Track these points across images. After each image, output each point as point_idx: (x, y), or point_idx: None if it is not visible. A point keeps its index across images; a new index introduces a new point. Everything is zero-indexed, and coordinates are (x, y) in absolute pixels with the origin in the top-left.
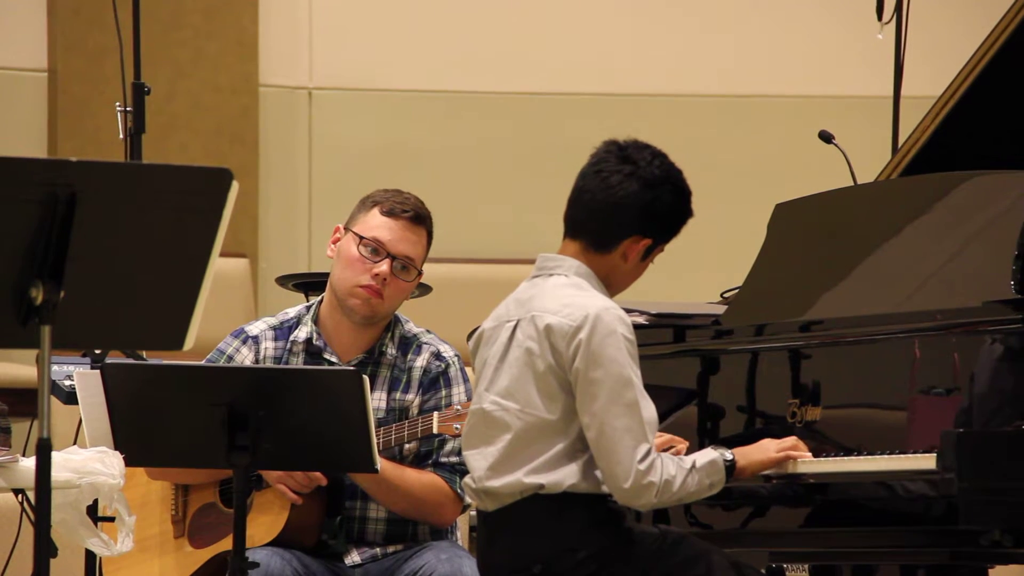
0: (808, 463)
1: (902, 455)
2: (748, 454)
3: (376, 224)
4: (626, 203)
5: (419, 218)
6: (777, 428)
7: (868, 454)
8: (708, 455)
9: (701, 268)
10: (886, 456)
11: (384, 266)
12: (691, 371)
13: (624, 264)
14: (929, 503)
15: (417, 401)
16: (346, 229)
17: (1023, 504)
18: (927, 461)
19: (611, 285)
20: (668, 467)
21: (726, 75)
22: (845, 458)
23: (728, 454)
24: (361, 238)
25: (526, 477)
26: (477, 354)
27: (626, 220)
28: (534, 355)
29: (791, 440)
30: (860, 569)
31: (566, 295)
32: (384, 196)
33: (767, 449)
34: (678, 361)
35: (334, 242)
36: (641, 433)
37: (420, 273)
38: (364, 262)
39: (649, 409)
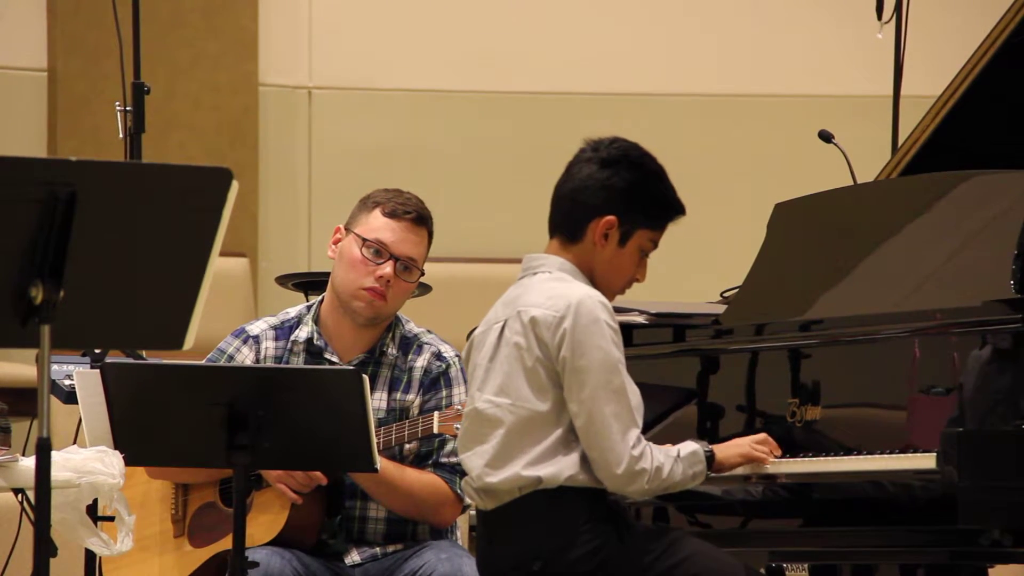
0: (808, 463)
1: (902, 454)
2: (724, 448)
3: (378, 226)
4: (584, 184)
5: (421, 219)
6: (777, 428)
7: (868, 453)
8: (689, 446)
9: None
10: (886, 455)
11: (388, 268)
12: (691, 371)
13: (598, 250)
14: (929, 502)
15: (418, 401)
16: (347, 230)
17: (1023, 504)
18: (927, 460)
19: (598, 279)
20: (657, 455)
21: (726, 74)
22: (845, 457)
23: (707, 446)
24: (364, 240)
25: (524, 470)
26: (469, 360)
27: (586, 201)
28: (522, 349)
29: (761, 435)
30: (860, 569)
31: (550, 288)
32: (385, 197)
33: (740, 444)
34: (678, 361)
35: (335, 243)
36: (630, 418)
37: (422, 273)
38: (367, 264)
39: (636, 395)
